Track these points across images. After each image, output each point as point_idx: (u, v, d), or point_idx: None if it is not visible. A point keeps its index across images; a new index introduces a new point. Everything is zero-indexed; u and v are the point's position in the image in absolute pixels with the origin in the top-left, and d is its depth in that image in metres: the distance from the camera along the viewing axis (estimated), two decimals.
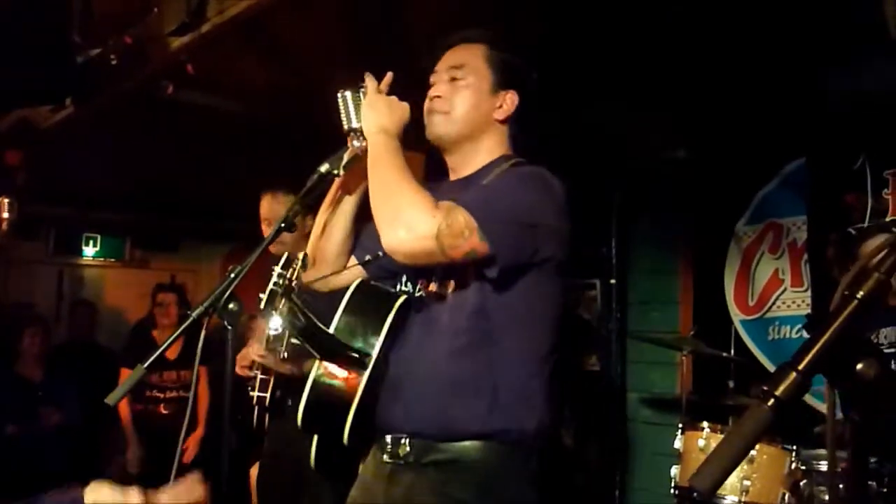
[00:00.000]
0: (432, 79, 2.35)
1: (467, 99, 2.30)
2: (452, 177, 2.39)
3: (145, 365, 1.94)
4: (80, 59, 4.66)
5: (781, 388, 0.97)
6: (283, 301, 2.15)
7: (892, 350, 3.76)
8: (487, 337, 2.15)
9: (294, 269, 2.20)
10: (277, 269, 2.18)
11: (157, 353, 1.99)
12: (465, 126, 2.30)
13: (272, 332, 2.66)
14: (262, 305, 2.17)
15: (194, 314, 1.98)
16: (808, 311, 4.83)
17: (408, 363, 2.20)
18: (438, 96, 2.31)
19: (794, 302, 4.97)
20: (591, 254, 5.77)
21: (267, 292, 2.17)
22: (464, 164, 2.35)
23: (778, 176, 5.07)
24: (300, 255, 2.26)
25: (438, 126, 2.30)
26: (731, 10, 3.74)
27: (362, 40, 3.99)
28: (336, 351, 2.19)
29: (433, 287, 2.24)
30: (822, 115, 4.58)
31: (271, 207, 3.98)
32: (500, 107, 2.32)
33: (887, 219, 4.43)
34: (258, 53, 4.32)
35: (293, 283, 2.18)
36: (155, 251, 9.29)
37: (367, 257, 2.39)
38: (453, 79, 2.31)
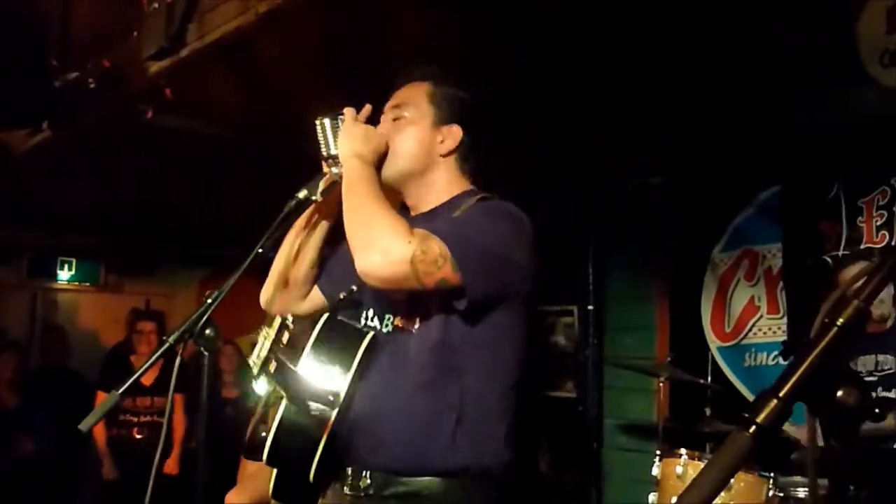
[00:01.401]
0: (381, 119, 2.36)
1: (408, 136, 2.30)
2: (413, 213, 2.38)
3: (119, 391, 1.93)
4: (58, 83, 4.64)
5: (762, 415, 0.97)
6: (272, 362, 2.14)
7: (871, 378, 3.79)
8: (452, 371, 2.14)
9: (287, 332, 2.20)
10: (271, 334, 2.17)
11: (132, 380, 1.98)
12: (408, 162, 2.30)
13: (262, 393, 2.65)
14: (255, 372, 2.16)
15: (170, 340, 1.97)
16: (784, 337, 4.85)
17: (373, 398, 2.18)
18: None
19: (770, 329, 4.99)
20: (567, 280, 5.78)
21: (261, 358, 2.15)
22: (420, 201, 2.34)
23: (753, 203, 5.10)
24: (289, 318, 2.25)
25: (385, 167, 2.30)
26: (705, 39, 3.78)
27: (341, 65, 4.00)
28: (304, 389, 2.17)
29: (399, 321, 2.23)
30: (797, 143, 4.62)
31: None
32: (443, 142, 2.31)
33: (862, 246, 4.46)
34: (238, 78, 4.31)
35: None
36: (130, 276, 9.23)
37: (342, 295, 2.38)
38: (395, 118, 2.32)
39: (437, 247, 2.03)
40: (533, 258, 2.20)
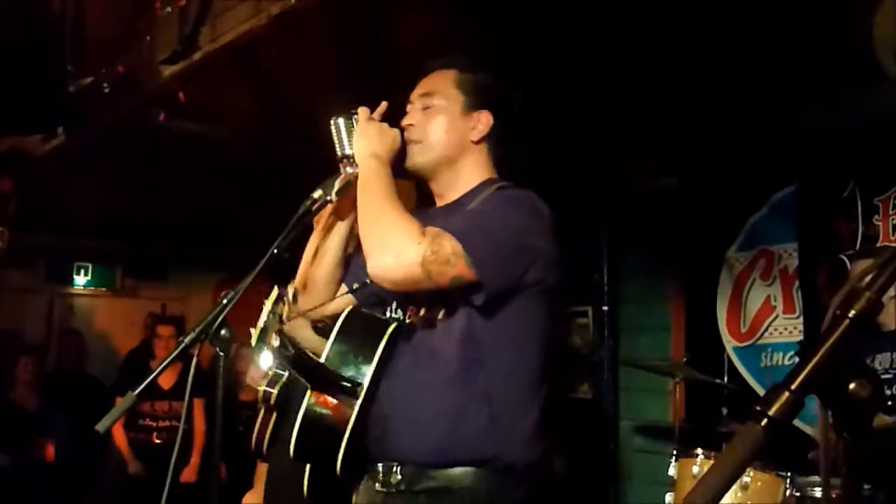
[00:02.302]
0: (407, 109, 2.37)
1: (439, 124, 2.30)
2: (438, 203, 2.39)
3: (136, 392, 1.93)
4: (73, 88, 4.67)
5: (774, 407, 0.96)
6: (274, 335, 2.14)
7: (887, 376, 3.77)
8: (478, 363, 2.14)
9: (285, 304, 2.19)
10: (268, 305, 2.17)
11: (147, 381, 1.98)
12: (441, 151, 2.31)
13: (265, 367, 2.63)
14: (254, 341, 2.16)
15: (186, 341, 1.97)
16: (801, 337, 4.82)
17: (399, 391, 2.18)
18: (411, 125, 2.32)
19: (787, 329, 4.96)
20: (582, 281, 5.76)
21: (259, 327, 2.15)
22: (447, 190, 2.35)
23: (768, 203, 5.08)
24: (290, 290, 2.25)
25: (415, 156, 2.31)
26: (719, 39, 3.77)
27: (354, 66, 4.01)
28: (327, 380, 2.17)
29: (423, 313, 2.23)
30: (812, 142, 4.60)
31: None
32: (474, 128, 2.32)
33: (878, 245, 4.44)
34: (250, 81, 4.33)
35: (283, 318, 2.16)
36: (146, 280, 9.27)
37: (356, 284, 2.38)
38: (425, 107, 2.32)
39: (448, 245, 2.02)
40: (552, 246, 2.20)
